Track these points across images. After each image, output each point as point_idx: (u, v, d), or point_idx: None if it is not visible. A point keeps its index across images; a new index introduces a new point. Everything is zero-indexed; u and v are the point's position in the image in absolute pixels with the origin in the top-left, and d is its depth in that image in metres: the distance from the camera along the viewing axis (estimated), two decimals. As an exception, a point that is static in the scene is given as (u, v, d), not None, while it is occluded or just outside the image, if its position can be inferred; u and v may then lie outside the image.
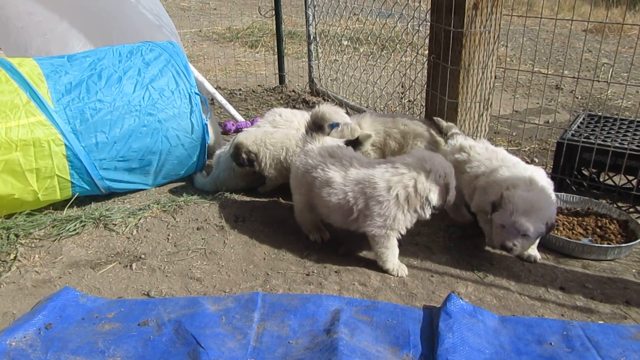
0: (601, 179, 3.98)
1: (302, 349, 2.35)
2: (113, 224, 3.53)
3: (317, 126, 3.23)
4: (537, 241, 3.19)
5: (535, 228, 2.79)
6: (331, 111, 3.20)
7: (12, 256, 3.19)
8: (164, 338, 2.41)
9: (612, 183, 3.91)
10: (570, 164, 3.87)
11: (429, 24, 4.11)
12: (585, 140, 3.79)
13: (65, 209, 3.73)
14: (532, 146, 5.07)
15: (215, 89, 5.80)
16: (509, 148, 4.99)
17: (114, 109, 3.67)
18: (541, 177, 3.10)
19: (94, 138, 3.59)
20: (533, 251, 3.20)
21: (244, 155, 3.80)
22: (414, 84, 5.04)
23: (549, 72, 5.65)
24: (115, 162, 3.73)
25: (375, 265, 3.07)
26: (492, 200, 2.97)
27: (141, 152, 3.80)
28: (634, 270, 3.09)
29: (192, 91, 4.00)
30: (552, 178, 3.99)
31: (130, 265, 3.11)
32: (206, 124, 4.09)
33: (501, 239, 2.88)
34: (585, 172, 4.05)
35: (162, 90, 3.88)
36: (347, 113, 3.44)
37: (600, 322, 2.64)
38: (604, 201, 3.67)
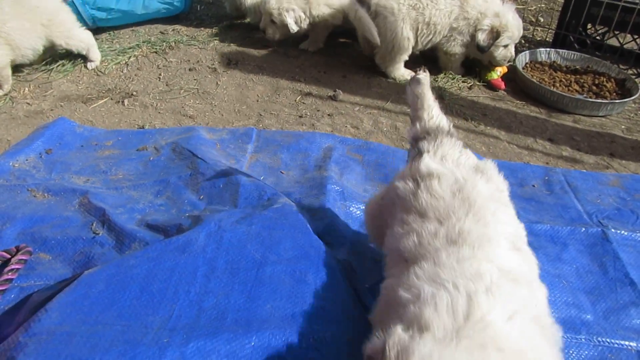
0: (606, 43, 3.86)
1: (293, 182, 2.42)
2: (103, 62, 3.43)
3: None
4: None
5: None
6: None
7: (1, 88, 3.14)
8: (163, 157, 2.48)
9: (615, 43, 3.80)
10: (576, 20, 3.73)
11: None
12: (595, -6, 3.61)
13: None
14: (539, 5, 4.84)
15: None
16: (517, 7, 4.77)
17: None
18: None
19: None
20: None
21: None
22: None
23: None
24: None
25: (369, 110, 3.08)
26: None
27: None
28: (622, 127, 3.13)
29: None
30: (556, 35, 3.89)
31: (122, 101, 3.09)
32: None
33: None
34: (590, 31, 3.92)
35: None
36: None
37: (582, 170, 2.72)
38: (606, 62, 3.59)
